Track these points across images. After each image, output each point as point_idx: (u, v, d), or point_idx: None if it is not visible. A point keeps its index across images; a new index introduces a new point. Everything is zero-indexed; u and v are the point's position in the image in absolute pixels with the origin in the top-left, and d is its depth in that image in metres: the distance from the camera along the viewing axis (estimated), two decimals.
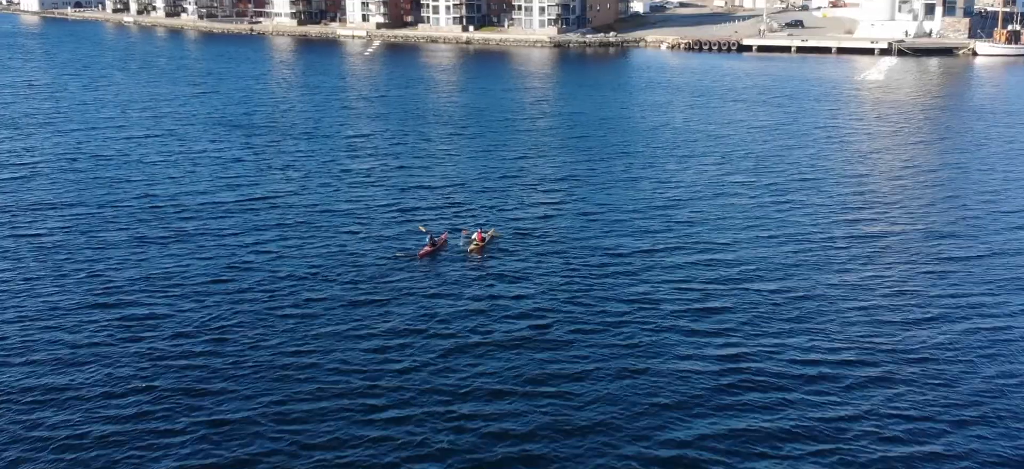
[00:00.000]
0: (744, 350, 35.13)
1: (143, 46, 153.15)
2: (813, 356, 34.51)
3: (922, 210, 55.57)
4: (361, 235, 50.07)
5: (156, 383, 31.61)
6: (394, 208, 55.48)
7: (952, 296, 40.85)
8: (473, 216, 53.22)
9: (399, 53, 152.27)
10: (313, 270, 43.90)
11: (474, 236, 47.77)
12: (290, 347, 34.93)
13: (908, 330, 37.01)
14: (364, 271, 43.82)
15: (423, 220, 51.84)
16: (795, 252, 46.96)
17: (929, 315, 38.66)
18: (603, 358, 34.35)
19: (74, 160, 66.13)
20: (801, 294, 40.91)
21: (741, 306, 39.61)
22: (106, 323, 37.10)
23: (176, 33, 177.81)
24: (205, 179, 60.84)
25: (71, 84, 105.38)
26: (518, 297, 40.80)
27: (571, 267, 44.81)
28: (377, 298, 40.40)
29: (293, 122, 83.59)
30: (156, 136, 75.34)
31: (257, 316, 37.91)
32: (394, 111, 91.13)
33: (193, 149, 70.31)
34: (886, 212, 54.99)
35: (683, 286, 42.05)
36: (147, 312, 38.24)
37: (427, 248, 46.80)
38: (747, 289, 41.53)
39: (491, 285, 42.51)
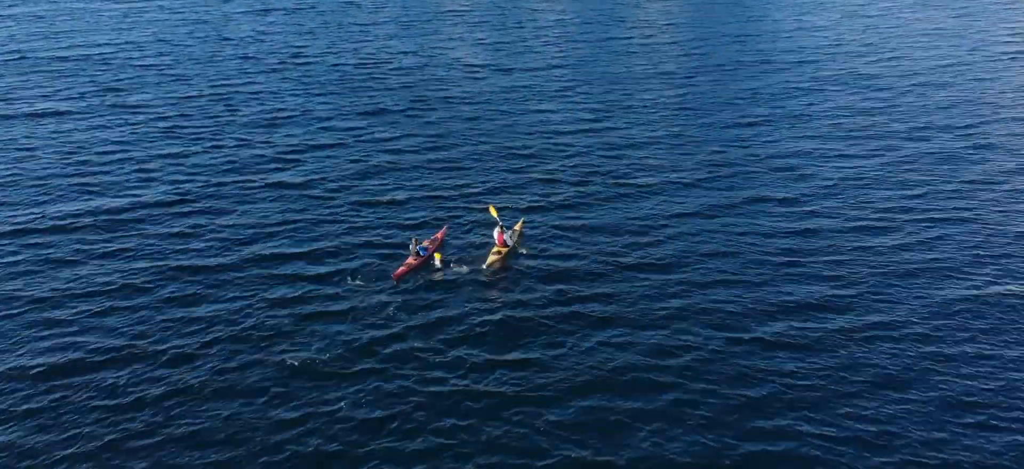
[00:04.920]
0: None
1: None
2: None
3: None
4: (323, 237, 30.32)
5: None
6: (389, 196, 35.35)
7: None
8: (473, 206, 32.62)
9: None
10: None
11: (494, 237, 30.76)
12: None
13: None
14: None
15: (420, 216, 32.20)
16: None
17: None
18: None
19: None
20: None
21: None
22: None
23: None
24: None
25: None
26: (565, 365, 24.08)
27: (659, 303, 26.02)
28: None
29: (271, 48, 62.21)
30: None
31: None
32: (446, 35, 69.70)
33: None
34: None
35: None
36: None
37: (411, 261, 29.44)
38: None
39: (516, 332, 25.66)
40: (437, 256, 29.59)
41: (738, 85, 51.39)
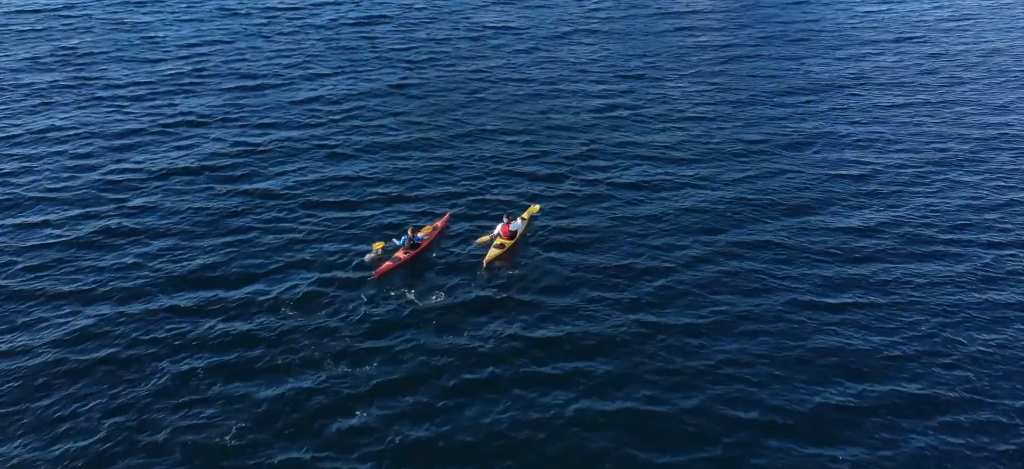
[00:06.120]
0: None
1: None
2: None
3: None
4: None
5: None
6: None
7: None
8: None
9: None
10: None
11: (498, 230, 26.87)
12: None
13: None
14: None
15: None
16: None
17: None
18: None
19: None
20: None
21: None
22: None
23: None
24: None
25: None
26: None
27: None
28: None
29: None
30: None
31: None
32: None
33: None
34: None
35: None
36: None
37: (400, 256, 26.05)
38: None
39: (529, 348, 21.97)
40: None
41: (785, 65, 43.69)
